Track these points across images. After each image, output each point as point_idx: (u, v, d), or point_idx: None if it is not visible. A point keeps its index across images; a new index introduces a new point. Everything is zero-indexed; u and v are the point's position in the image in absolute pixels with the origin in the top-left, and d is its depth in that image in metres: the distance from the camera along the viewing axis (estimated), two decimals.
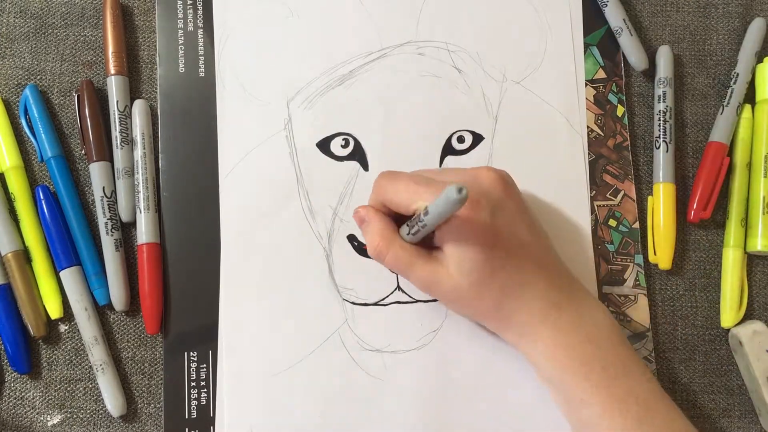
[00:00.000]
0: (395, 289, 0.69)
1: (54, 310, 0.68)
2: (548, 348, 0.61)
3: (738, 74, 0.74)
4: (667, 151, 0.72)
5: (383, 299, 0.69)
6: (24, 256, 0.69)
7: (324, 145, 0.72)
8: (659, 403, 0.60)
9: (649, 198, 0.73)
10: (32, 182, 0.71)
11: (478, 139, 0.72)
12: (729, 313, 0.71)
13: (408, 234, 0.61)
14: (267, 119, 0.72)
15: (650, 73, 0.76)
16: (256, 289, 0.69)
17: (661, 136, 0.73)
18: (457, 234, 0.59)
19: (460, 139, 0.72)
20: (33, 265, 0.69)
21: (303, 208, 0.70)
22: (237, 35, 0.74)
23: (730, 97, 0.73)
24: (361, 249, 0.70)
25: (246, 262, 0.70)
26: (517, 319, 0.62)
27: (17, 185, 0.69)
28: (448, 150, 0.72)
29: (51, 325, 0.69)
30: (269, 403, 0.67)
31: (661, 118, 0.73)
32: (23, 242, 0.69)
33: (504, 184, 0.62)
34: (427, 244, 0.63)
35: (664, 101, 0.73)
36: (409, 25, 0.74)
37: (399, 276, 0.69)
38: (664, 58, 0.74)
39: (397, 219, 0.64)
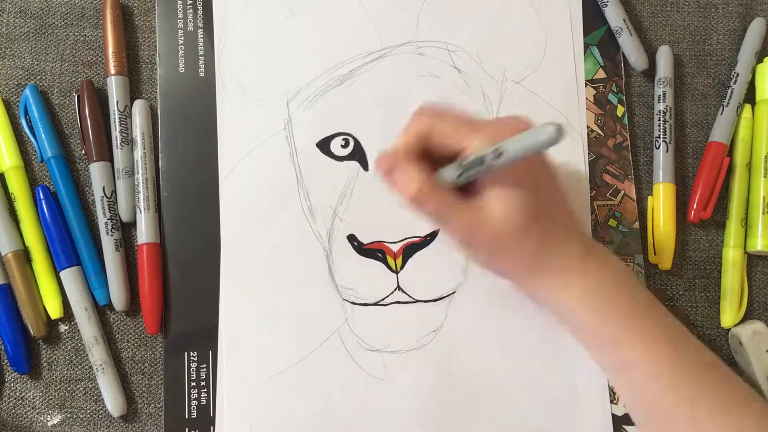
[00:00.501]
0: (395, 289, 0.69)
1: (54, 310, 0.68)
2: (584, 293, 0.61)
3: (738, 74, 0.74)
4: (667, 151, 0.72)
5: (383, 299, 0.69)
6: (24, 256, 0.69)
7: (324, 145, 0.72)
8: (685, 336, 0.61)
9: (649, 198, 0.73)
10: (32, 182, 0.71)
11: None
12: (729, 313, 0.71)
13: (455, 177, 0.59)
14: (267, 119, 0.72)
15: (650, 73, 0.76)
16: (256, 289, 0.69)
17: (661, 136, 0.73)
18: (504, 178, 0.58)
19: None
20: (33, 265, 0.69)
21: (303, 208, 0.70)
22: (237, 35, 0.74)
23: (730, 97, 0.73)
24: (361, 248, 0.70)
25: (246, 262, 0.70)
26: (555, 263, 0.61)
27: (17, 185, 0.69)
28: None
29: (51, 325, 0.69)
30: (269, 402, 0.67)
31: (661, 118, 0.73)
32: (23, 242, 0.69)
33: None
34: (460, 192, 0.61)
35: (664, 101, 0.73)
36: (409, 25, 0.74)
37: (399, 277, 0.69)
38: (664, 58, 0.74)
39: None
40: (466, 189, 0.60)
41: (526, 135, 0.53)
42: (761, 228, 0.71)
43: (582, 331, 0.63)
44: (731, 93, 0.73)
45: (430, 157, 0.61)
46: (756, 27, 0.75)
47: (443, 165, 0.60)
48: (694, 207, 0.72)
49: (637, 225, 0.72)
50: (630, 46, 0.74)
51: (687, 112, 0.75)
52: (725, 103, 0.73)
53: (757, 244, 0.71)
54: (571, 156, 0.73)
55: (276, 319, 0.69)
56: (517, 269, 0.63)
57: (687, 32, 0.77)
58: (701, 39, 0.77)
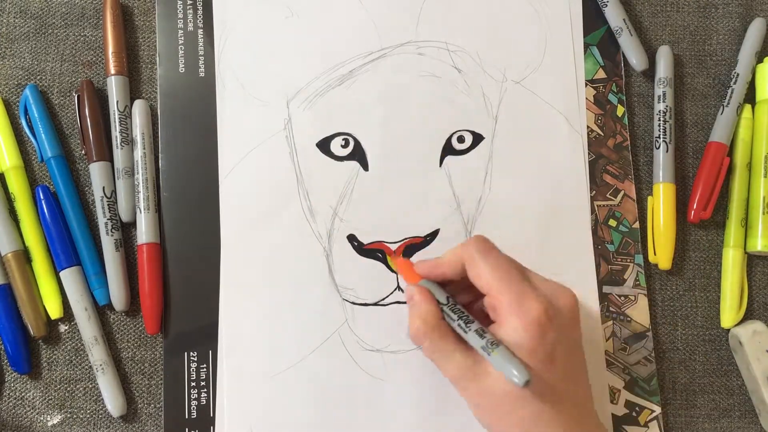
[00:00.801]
0: (395, 289, 0.69)
1: (54, 310, 0.68)
2: None
3: (738, 74, 0.74)
4: (667, 151, 0.72)
5: (383, 299, 0.69)
6: (24, 256, 0.69)
7: (324, 145, 0.72)
8: None
9: (649, 198, 0.73)
10: (32, 182, 0.71)
11: (478, 138, 0.72)
12: (729, 313, 0.71)
13: (453, 319, 0.60)
14: (267, 119, 0.72)
15: (650, 73, 0.76)
16: (256, 289, 0.69)
17: (661, 136, 0.73)
18: (514, 345, 0.57)
19: (460, 139, 0.72)
20: (33, 265, 0.69)
21: (303, 208, 0.70)
22: (237, 35, 0.74)
23: (730, 97, 0.73)
24: (361, 248, 0.70)
25: (246, 262, 0.70)
26: None
27: (17, 185, 0.69)
28: (448, 150, 0.72)
29: (51, 325, 0.69)
30: (269, 403, 0.67)
31: (661, 118, 0.73)
32: (23, 242, 0.69)
33: (577, 315, 0.61)
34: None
35: (664, 101, 0.74)
36: (409, 25, 0.74)
37: (399, 277, 0.69)
38: (664, 58, 0.74)
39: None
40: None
41: (503, 365, 0.55)
42: (761, 228, 0.71)
43: None
44: (731, 93, 0.73)
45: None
46: (756, 27, 0.75)
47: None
48: (694, 207, 0.72)
49: (637, 225, 0.72)
50: (630, 46, 0.74)
51: (687, 112, 0.75)
52: (725, 103, 0.73)
53: (758, 245, 0.71)
54: (571, 156, 0.73)
55: (276, 319, 0.69)
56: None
57: (687, 32, 0.77)
58: (701, 39, 0.77)
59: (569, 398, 0.59)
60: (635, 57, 0.74)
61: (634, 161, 0.74)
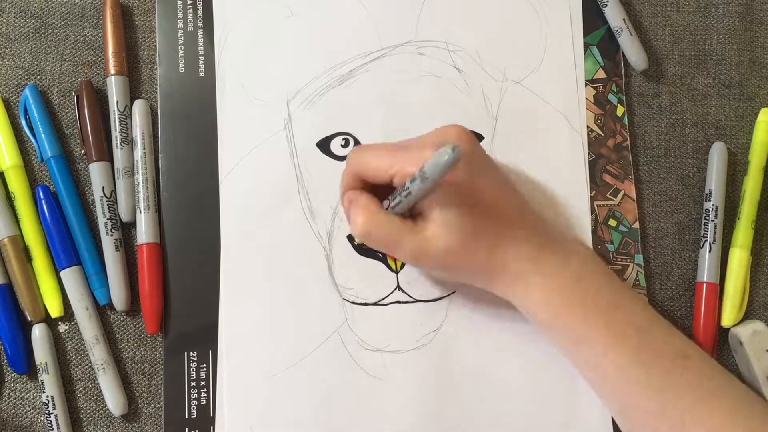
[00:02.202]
0: (395, 289, 0.69)
1: (54, 309, 0.68)
2: (543, 294, 0.62)
3: (716, 207, 0.73)
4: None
5: (383, 299, 0.69)
6: (20, 241, 0.69)
7: (324, 145, 0.72)
8: (655, 326, 0.62)
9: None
10: (32, 182, 0.71)
11: (478, 138, 0.72)
12: (730, 312, 0.71)
13: (390, 206, 0.62)
14: (267, 119, 0.72)
15: (650, 73, 0.76)
16: (256, 289, 0.69)
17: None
18: (441, 198, 0.60)
19: None
20: (33, 265, 0.69)
21: (303, 208, 0.70)
22: (237, 35, 0.73)
23: (714, 233, 0.72)
24: (361, 248, 0.70)
25: (246, 263, 0.70)
26: (508, 269, 0.62)
27: (17, 184, 0.69)
28: None
29: (48, 317, 0.69)
30: (269, 403, 0.68)
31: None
32: (19, 228, 0.69)
33: (471, 138, 0.63)
34: (405, 217, 0.63)
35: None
36: (409, 25, 0.74)
37: (399, 276, 0.69)
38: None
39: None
40: (416, 212, 0.63)
41: (430, 161, 0.54)
42: None
43: (546, 330, 0.64)
44: (714, 228, 0.72)
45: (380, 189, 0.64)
46: (717, 151, 0.74)
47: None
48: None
49: (637, 225, 0.72)
50: (630, 46, 0.74)
51: (687, 112, 0.75)
52: (710, 240, 0.72)
53: None
54: (571, 156, 0.73)
55: (276, 319, 0.69)
56: (476, 278, 0.65)
57: (687, 32, 0.77)
58: (701, 39, 0.77)
59: (507, 221, 0.63)
60: (635, 57, 0.74)
61: (634, 161, 0.74)
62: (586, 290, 0.62)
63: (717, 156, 0.73)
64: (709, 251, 0.71)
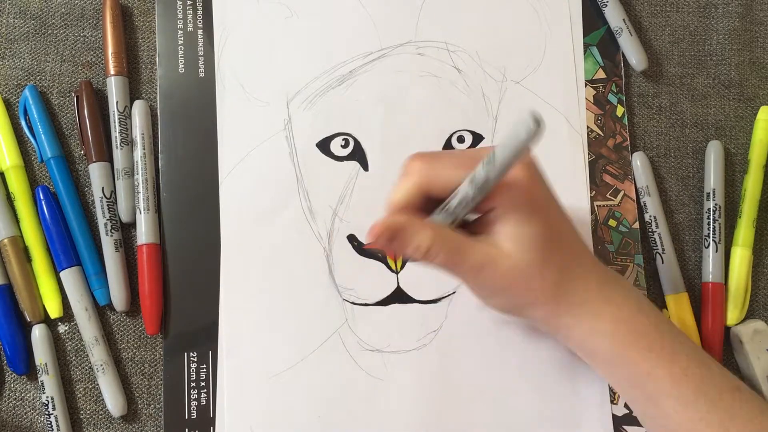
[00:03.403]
0: (395, 290, 0.69)
1: (54, 310, 0.68)
2: (611, 325, 0.59)
3: (719, 206, 0.73)
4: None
5: (383, 299, 0.69)
6: (20, 241, 0.69)
7: (324, 146, 0.72)
8: (707, 359, 0.59)
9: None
10: (32, 182, 0.71)
11: (478, 138, 0.72)
12: (733, 311, 0.71)
13: (453, 212, 0.57)
14: (267, 119, 0.72)
15: (650, 73, 0.76)
16: (256, 290, 0.69)
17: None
18: (512, 207, 0.56)
19: (460, 139, 0.72)
20: (33, 265, 0.69)
21: (303, 209, 0.70)
22: (237, 35, 0.74)
23: (719, 232, 0.72)
24: (361, 249, 0.70)
25: (246, 263, 0.70)
26: (577, 298, 0.59)
27: (17, 184, 0.69)
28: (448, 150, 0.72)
29: (48, 318, 0.69)
30: (270, 403, 0.67)
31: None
32: (19, 229, 0.69)
33: (535, 160, 0.59)
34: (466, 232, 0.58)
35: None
36: (409, 25, 0.74)
37: (399, 278, 0.69)
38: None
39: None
40: (473, 231, 0.59)
41: (507, 138, 0.50)
42: None
43: (607, 366, 0.61)
44: (718, 228, 0.72)
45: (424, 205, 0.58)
46: (713, 150, 0.74)
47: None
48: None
49: (637, 225, 0.72)
50: (630, 46, 0.74)
51: (687, 112, 0.75)
52: (715, 239, 0.72)
53: None
54: (572, 156, 0.73)
55: (276, 319, 0.69)
56: (538, 306, 0.60)
57: (687, 32, 0.77)
58: (701, 39, 0.77)
59: (574, 245, 0.60)
60: (635, 57, 0.74)
61: (633, 161, 0.74)
62: (648, 323, 0.59)
63: (714, 154, 0.73)
64: (716, 251, 0.72)
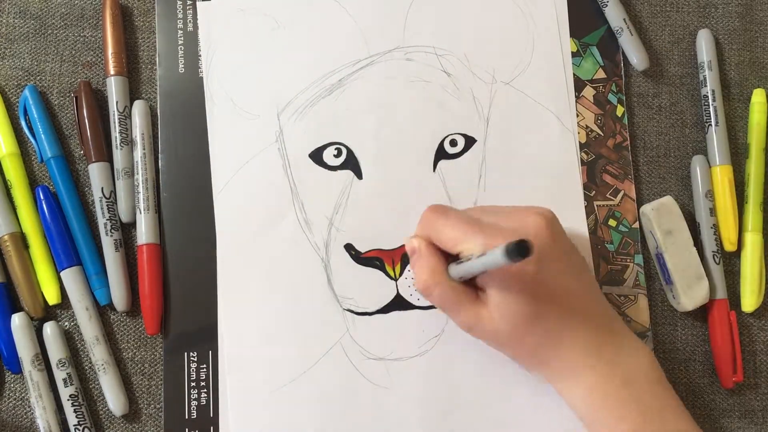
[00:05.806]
0: (395, 297, 0.69)
1: (52, 296, 0.69)
2: (585, 392, 0.62)
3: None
4: (717, 263, 0.72)
5: (383, 307, 0.69)
6: (21, 238, 0.70)
7: (317, 156, 0.72)
8: None
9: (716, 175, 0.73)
10: (32, 183, 0.71)
11: (470, 141, 0.72)
12: (749, 297, 0.71)
13: (455, 275, 0.62)
14: (258, 132, 0.72)
15: (650, 73, 0.75)
16: (255, 304, 0.70)
17: (712, 118, 0.73)
18: (501, 281, 0.60)
19: (453, 143, 0.72)
20: (33, 262, 0.69)
21: (299, 220, 0.70)
22: (224, 50, 0.73)
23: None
24: (359, 257, 0.70)
25: (244, 278, 0.70)
26: (560, 358, 0.62)
27: (14, 172, 0.70)
28: (441, 154, 0.72)
29: (48, 318, 0.69)
30: (275, 416, 0.68)
31: (708, 102, 0.73)
32: (19, 224, 0.70)
33: (551, 230, 0.61)
34: (473, 283, 0.63)
35: (706, 85, 0.74)
36: (396, 31, 0.74)
37: (398, 283, 0.70)
38: (705, 40, 0.75)
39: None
40: (477, 282, 0.62)
41: (492, 253, 0.54)
42: None
43: (582, 420, 0.64)
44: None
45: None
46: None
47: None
48: (727, 374, 0.71)
49: (636, 225, 0.72)
50: (630, 46, 0.74)
51: (687, 112, 0.75)
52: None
53: None
54: (564, 154, 0.73)
55: (277, 332, 0.69)
56: (520, 360, 0.66)
57: (687, 32, 0.77)
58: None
59: (567, 312, 0.62)
60: (636, 57, 0.74)
61: (634, 161, 0.74)
62: (629, 395, 0.61)
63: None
64: (717, 263, 0.72)
